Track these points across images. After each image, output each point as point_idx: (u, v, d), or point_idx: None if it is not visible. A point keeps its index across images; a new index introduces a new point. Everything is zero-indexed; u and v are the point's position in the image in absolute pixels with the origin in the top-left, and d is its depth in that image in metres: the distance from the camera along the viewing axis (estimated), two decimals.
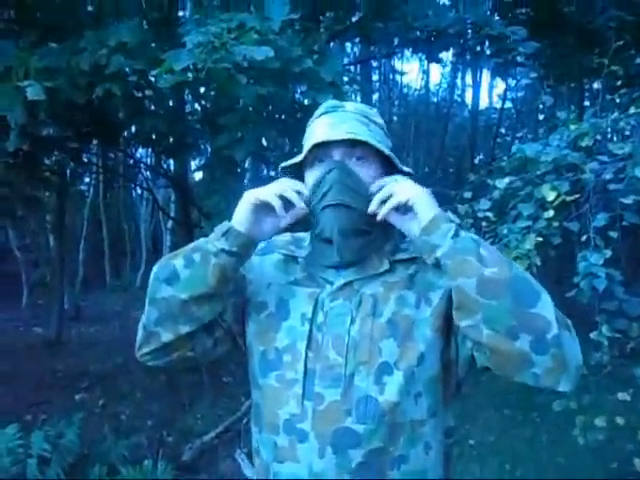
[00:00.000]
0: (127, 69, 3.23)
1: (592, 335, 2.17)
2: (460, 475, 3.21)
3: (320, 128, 1.01)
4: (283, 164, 1.07)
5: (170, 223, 11.16)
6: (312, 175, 1.02)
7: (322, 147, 0.99)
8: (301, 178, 1.06)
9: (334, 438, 0.93)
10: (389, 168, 1.04)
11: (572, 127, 2.55)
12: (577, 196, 2.37)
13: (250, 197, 1.00)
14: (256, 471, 1.07)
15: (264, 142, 4.54)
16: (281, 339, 1.01)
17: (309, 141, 1.01)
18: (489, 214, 2.60)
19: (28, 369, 5.80)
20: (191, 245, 1.01)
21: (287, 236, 1.16)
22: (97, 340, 7.59)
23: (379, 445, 0.93)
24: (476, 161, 15.44)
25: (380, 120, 1.06)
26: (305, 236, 1.15)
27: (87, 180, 12.28)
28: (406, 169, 1.05)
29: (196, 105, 5.12)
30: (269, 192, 0.99)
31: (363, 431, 0.93)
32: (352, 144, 0.97)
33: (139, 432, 4.09)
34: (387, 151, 1.00)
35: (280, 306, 1.04)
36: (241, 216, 1.00)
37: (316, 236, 1.05)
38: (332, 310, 0.99)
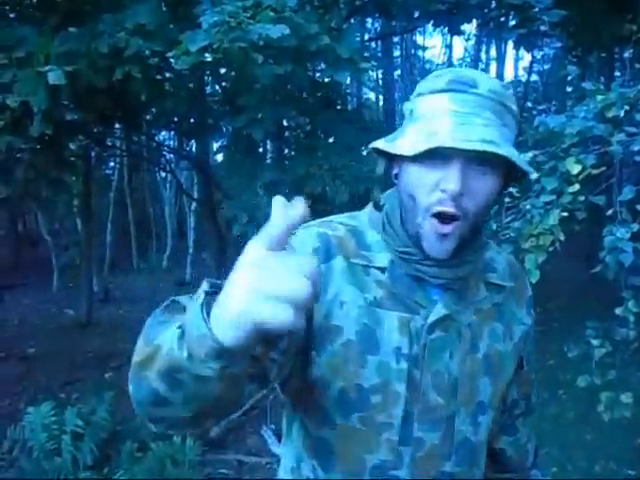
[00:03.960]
0: (146, 51, 3.25)
1: (618, 311, 2.13)
2: None
3: (442, 118, 0.75)
4: (378, 145, 0.82)
5: (194, 205, 11.27)
6: (420, 174, 0.78)
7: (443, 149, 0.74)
8: (396, 158, 0.83)
9: None
10: (509, 172, 0.82)
11: (599, 98, 2.47)
12: (603, 169, 2.31)
13: (247, 320, 0.50)
14: None
15: (284, 122, 4.53)
16: (368, 377, 0.83)
17: (423, 129, 0.77)
18: (512, 189, 2.55)
19: (60, 349, 5.99)
20: (162, 357, 0.62)
21: (340, 228, 0.87)
22: (126, 321, 7.76)
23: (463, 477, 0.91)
24: None
25: (515, 106, 0.80)
26: (362, 226, 0.89)
27: (112, 164, 12.45)
28: (530, 171, 0.80)
29: (216, 86, 5.12)
30: (276, 315, 0.49)
31: (458, 474, 0.88)
32: (482, 152, 0.72)
33: None
34: (522, 163, 0.75)
35: (363, 334, 0.82)
36: (231, 336, 0.52)
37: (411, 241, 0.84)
38: (431, 344, 0.83)
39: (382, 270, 0.84)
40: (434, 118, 0.77)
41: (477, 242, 0.85)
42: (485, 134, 0.73)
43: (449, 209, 0.76)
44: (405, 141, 0.78)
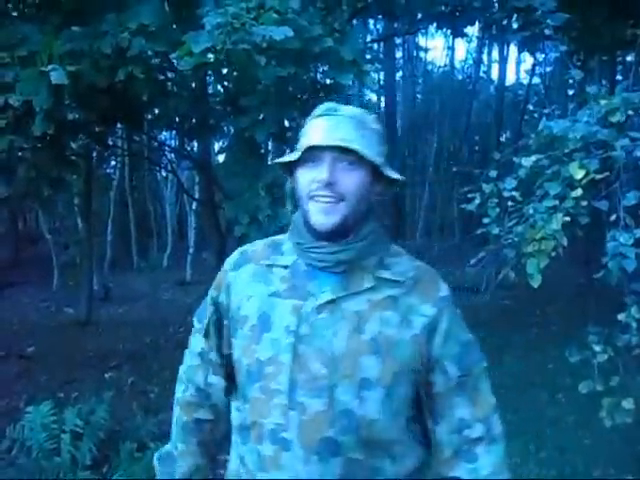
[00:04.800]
0: (149, 52, 3.24)
1: (620, 316, 2.12)
2: None
3: (315, 131, 1.03)
4: (277, 160, 1.10)
5: (194, 204, 11.28)
6: (303, 174, 1.04)
7: (315, 150, 1.00)
8: (292, 172, 1.09)
9: (319, 447, 0.98)
10: (378, 174, 1.05)
11: (602, 102, 2.46)
12: (607, 174, 2.30)
13: None
14: None
15: (286, 123, 4.53)
16: (263, 351, 1.02)
17: (303, 141, 1.04)
18: (515, 193, 2.55)
19: (60, 348, 5.99)
20: None
21: (260, 243, 1.16)
22: (126, 320, 7.77)
23: (356, 456, 0.99)
24: (502, 139, 15.14)
25: (377, 126, 1.07)
26: (283, 239, 1.14)
27: (113, 163, 12.46)
28: (394, 176, 1.05)
29: (218, 87, 5.11)
30: None
31: (343, 442, 0.98)
32: (344, 150, 0.99)
33: (168, 409, 4.15)
34: (377, 160, 1.01)
35: (262, 319, 1.04)
36: None
37: (307, 232, 1.06)
38: (316, 323, 1.00)
39: (285, 267, 1.07)
40: (311, 133, 1.03)
41: (359, 233, 1.04)
42: (342, 136, 0.99)
43: (324, 192, 0.99)
44: (293, 154, 1.05)
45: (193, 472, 1.17)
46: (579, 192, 2.22)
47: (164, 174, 13.46)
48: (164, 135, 9.74)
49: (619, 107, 2.39)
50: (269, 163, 1.01)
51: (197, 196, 9.82)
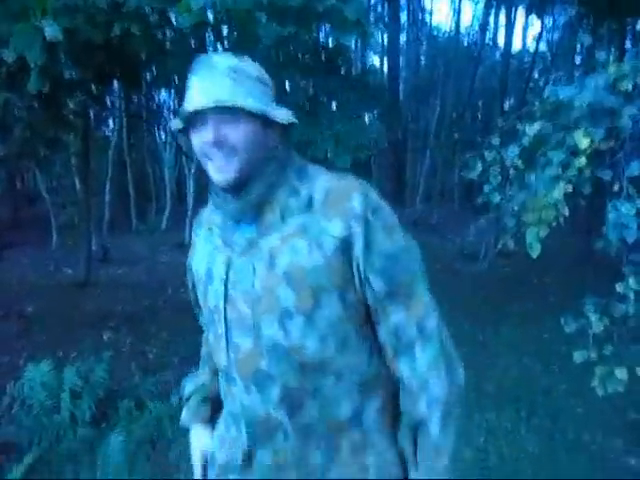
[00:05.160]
0: (146, 8, 3.14)
1: (618, 287, 2.12)
2: (478, 422, 3.27)
3: (193, 93, 1.03)
4: (171, 125, 1.11)
5: (194, 167, 11.18)
6: (193, 136, 1.06)
7: (199, 113, 1.02)
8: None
9: (254, 378, 1.07)
10: (270, 121, 1.06)
11: (611, 69, 2.40)
12: (612, 143, 2.26)
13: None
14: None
15: (286, 86, 4.43)
16: (210, 301, 1.14)
17: (185, 104, 1.05)
18: (517, 161, 2.51)
19: (59, 308, 6.03)
20: None
21: (208, 209, 1.24)
22: (124, 281, 7.80)
23: (293, 383, 1.05)
24: (506, 107, 14.91)
25: (255, 71, 1.06)
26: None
27: (112, 125, 12.28)
28: (284, 120, 1.06)
29: (218, 45, 4.99)
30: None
31: (276, 372, 1.05)
32: (222, 107, 1.00)
33: (166, 369, 4.24)
34: (259, 108, 1.02)
35: (207, 274, 1.15)
36: None
37: (216, 194, 1.12)
38: (239, 268, 1.08)
39: (218, 226, 1.15)
40: (189, 95, 1.04)
41: (263, 179, 1.06)
42: (216, 94, 1.00)
43: (215, 151, 1.03)
44: (177, 119, 1.08)
45: (199, 387, 1.36)
46: (583, 161, 2.19)
47: (163, 136, 13.30)
48: (163, 96, 9.58)
49: (628, 74, 2.33)
50: (170, 126, 1.02)
51: (195, 158, 9.71)
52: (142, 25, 3.16)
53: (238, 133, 1.02)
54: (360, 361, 1.08)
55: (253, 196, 1.06)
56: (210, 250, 1.16)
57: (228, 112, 1.01)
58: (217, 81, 1.02)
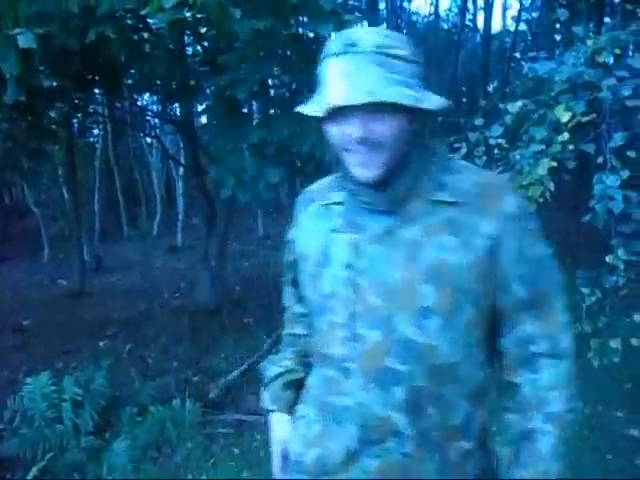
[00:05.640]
0: (120, 11, 3.11)
1: (607, 258, 2.14)
2: None
3: (334, 80, 0.90)
4: (299, 109, 0.98)
5: (181, 170, 11.14)
6: (332, 127, 0.95)
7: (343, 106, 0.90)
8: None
9: (377, 375, 0.99)
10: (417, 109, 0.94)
11: (589, 42, 2.40)
12: (593, 116, 2.27)
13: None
14: (308, 399, 1.16)
15: (269, 81, 4.42)
16: (324, 285, 1.04)
17: (323, 92, 0.93)
18: (501, 141, 2.51)
19: (55, 320, 6.01)
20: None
21: (323, 182, 1.16)
22: (119, 289, 7.78)
23: (420, 384, 0.98)
24: (489, 89, 14.94)
25: (402, 48, 0.92)
26: (337, 176, 1.11)
27: (96, 132, 12.19)
28: (436, 106, 0.93)
29: (197, 47, 4.96)
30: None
31: (404, 370, 0.98)
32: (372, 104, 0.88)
33: (166, 374, 4.25)
34: (410, 100, 0.89)
35: (323, 255, 1.06)
36: None
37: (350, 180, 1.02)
38: (372, 256, 0.99)
39: (340, 203, 1.06)
40: (330, 82, 0.91)
41: (410, 172, 0.98)
42: (367, 86, 0.87)
43: (358, 147, 0.93)
44: (314, 104, 0.94)
45: (284, 372, 1.27)
46: (565, 136, 2.19)
47: (148, 140, 13.23)
48: (146, 100, 9.51)
49: (605, 47, 2.33)
50: (299, 109, 0.91)
51: (182, 161, 9.68)
52: (117, 28, 3.13)
53: (387, 126, 0.92)
54: (478, 369, 1.03)
55: (399, 191, 0.98)
56: (326, 229, 1.06)
57: (377, 107, 0.89)
58: (364, 68, 0.89)
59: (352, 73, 0.89)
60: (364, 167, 0.95)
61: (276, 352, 1.37)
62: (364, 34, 0.91)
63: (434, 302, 0.96)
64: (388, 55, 0.90)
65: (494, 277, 0.98)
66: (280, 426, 1.27)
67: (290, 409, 1.24)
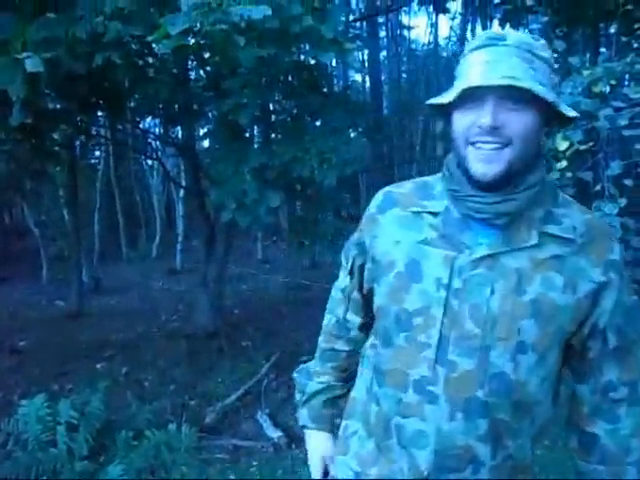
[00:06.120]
0: (126, 36, 3.18)
1: None
2: None
3: (474, 67, 0.90)
4: (430, 101, 0.98)
5: (182, 192, 11.19)
6: (460, 117, 0.93)
7: (477, 89, 0.88)
8: (448, 114, 0.97)
9: (465, 405, 0.96)
10: (551, 112, 0.92)
11: (585, 73, 2.46)
12: (591, 145, 2.30)
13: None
14: (371, 420, 1.10)
15: (270, 106, 4.48)
16: (412, 301, 0.98)
17: (460, 80, 0.92)
18: None
19: (53, 341, 5.96)
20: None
21: (408, 186, 1.09)
22: (117, 310, 7.73)
23: (503, 417, 0.97)
24: None
25: (547, 54, 0.92)
26: (434, 182, 1.06)
27: (97, 153, 12.29)
28: (571, 113, 0.91)
29: (200, 71, 5.04)
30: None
31: (492, 403, 0.95)
32: (509, 88, 0.86)
33: (162, 397, 4.20)
34: (550, 97, 0.87)
35: (411, 266, 0.99)
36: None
37: (467, 179, 0.95)
38: (471, 279, 0.94)
39: (435, 215, 1.00)
40: (470, 69, 0.91)
41: (525, 182, 0.93)
42: (508, 72, 0.86)
43: (486, 138, 0.89)
44: (446, 94, 0.93)
45: (324, 389, 1.24)
46: (564, 164, 2.22)
47: (149, 162, 13.32)
48: (148, 123, 9.62)
49: (602, 77, 2.38)
50: (427, 102, 0.94)
51: (184, 184, 9.74)
52: (123, 53, 3.19)
53: (521, 120, 0.88)
54: (550, 406, 1.03)
55: (522, 196, 0.92)
56: (415, 239, 1.00)
57: (512, 96, 0.87)
58: (505, 57, 0.88)
59: (495, 60, 0.88)
60: (488, 162, 0.90)
61: (308, 360, 1.32)
62: (513, 34, 0.92)
63: (533, 339, 0.93)
64: (533, 53, 0.90)
65: (591, 322, 0.97)
66: (321, 444, 1.24)
67: (331, 427, 1.23)
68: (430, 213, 1.01)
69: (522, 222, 0.94)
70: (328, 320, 1.26)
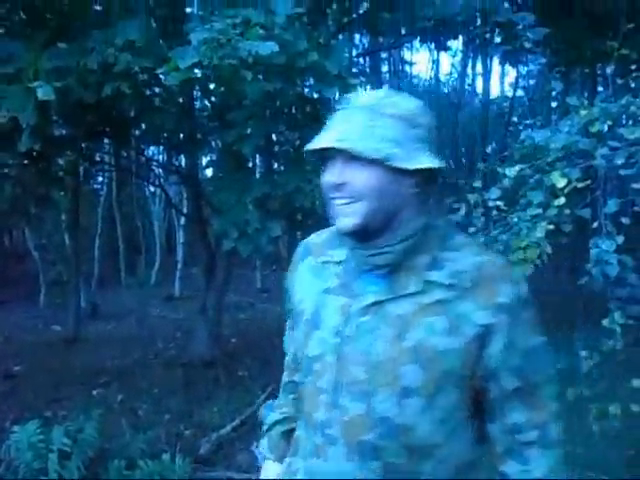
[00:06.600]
0: (135, 67, 3.26)
1: (604, 322, 2.15)
2: None
3: (321, 133, 0.97)
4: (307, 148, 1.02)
5: (183, 219, 11.24)
6: (322, 175, 1.00)
7: (328, 151, 0.96)
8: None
9: (359, 448, 0.98)
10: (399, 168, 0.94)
11: (582, 113, 2.52)
12: (588, 182, 2.34)
13: None
14: (298, 452, 1.13)
15: (273, 137, 4.56)
16: (313, 347, 1.04)
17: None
18: (499, 203, 2.58)
19: (47, 366, 5.90)
20: None
21: (324, 235, 1.14)
22: (114, 337, 7.68)
23: (396, 460, 0.98)
24: (488, 150, 15.32)
25: (395, 108, 0.95)
26: None
27: (100, 179, 12.41)
28: (410, 167, 0.93)
29: (205, 101, 5.15)
30: None
31: (382, 447, 0.97)
32: (353, 150, 0.92)
33: (157, 427, 4.15)
34: (381, 154, 0.91)
35: (314, 314, 1.05)
36: None
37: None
38: (361, 325, 0.98)
39: (339, 263, 1.05)
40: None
41: (397, 233, 0.97)
42: (338, 135, 0.93)
43: (335, 195, 0.96)
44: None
45: (283, 420, 1.28)
46: (562, 200, 2.26)
47: (152, 189, 13.41)
48: (152, 150, 9.74)
49: (598, 117, 2.44)
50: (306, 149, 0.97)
51: (185, 211, 9.79)
52: (132, 84, 3.27)
53: (364, 177, 0.93)
54: (465, 448, 1.02)
55: (397, 248, 0.96)
56: (320, 288, 1.06)
57: (356, 155, 0.92)
58: (348, 119, 0.95)
59: (334, 123, 0.96)
60: (343, 216, 0.96)
61: (275, 398, 1.36)
62: (365, 94, 0.99)
63: (417, 383, 0.95)
64: (378, 112, 0.94)
65: (483, 365, 0.97)
66: (271, 475, 1.29)
67: (284, 457, 1.24)
68: (334, 262, 1.06)
69: (405, 270, 0.98)
70: (287, 354, 1.30)
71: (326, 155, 0.97)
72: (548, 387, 1.01)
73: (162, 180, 8.11)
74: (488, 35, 5.13)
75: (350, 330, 0.99)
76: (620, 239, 2.15)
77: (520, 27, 3.80)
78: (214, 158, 5.61)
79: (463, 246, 1.01)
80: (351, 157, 0.93)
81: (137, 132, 5.54)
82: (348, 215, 0.95)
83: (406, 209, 0.97)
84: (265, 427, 1.31)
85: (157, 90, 4.54)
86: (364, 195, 0.94)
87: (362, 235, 0.97)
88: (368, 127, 0.93)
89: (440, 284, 0.96)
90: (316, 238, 1.15)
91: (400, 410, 0.95)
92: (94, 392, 5.07)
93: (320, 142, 0.94)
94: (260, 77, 2.89)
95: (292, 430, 1.24)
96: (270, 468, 1.30)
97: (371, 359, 0.97)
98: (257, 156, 5.19)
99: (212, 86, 4.30)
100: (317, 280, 1.08)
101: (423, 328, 0.95)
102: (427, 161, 0.94)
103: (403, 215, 0.97)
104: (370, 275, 1.00)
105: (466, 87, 17.88)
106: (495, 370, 0.97)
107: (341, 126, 0.95)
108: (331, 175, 0.96)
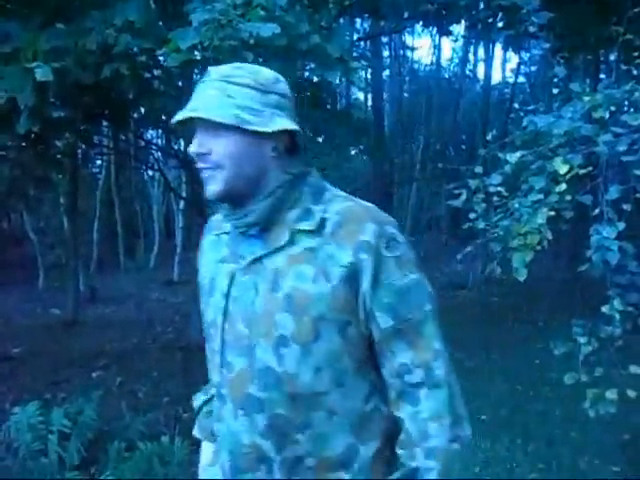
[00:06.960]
0: (135, 49, 3.23)
1: (604, 309, 2.16)
2: (472, 451, 3.24)
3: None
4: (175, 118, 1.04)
5: (182, 203, 11.22)
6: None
7: (189, 122, 1.00)
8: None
9: (242, 403, 1.02)
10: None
11: (585, 99, 2.50)
12: (590, 169, 2.33)
13: None
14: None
15: None
16: (208, 314, 1.10)
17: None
18: (500, 189, 2.57)
19: (46, 349, 5.94)
20: None
21: (225, 210, 1.16)
22: (113, 320, 7.71)
23: (281, 412, 1.00)
24: (489, 137, 15.25)
25: (246, 78, 0.99)
26: None
27: (99, 162, 12.35)
28: (266, 129, 0.97)
29: None
30: None
31: (265, 398, 1.00)
32: (208, 119, 0.96)
33: (156, 409, 4.18)
34: (235, 119, 0.95)
35: (210, 284, 1.11)
36: None
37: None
38: (242, 284, 1.03)
39: (228, 234, 1.10)
40: None
41: (262, 193, 1.01)
42: (195, 105, 0.98)
43: (199, 164, 1.01)
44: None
45: (209, 399, 1.26)
46: (563, 187, 2.25)
47: (150, 173, 13.36)
48: (150, 133, 9.68)
49: (601, 104, 2.42)
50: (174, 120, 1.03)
51: (184, 195, 9.77)
52: (131, 65, 3.24)
53: (222, 144, 0.98)
54: (357, 399, 1.02)
55: (261, 205, 1.01)
56: (216, 259, 1.11)
57: (213, 125, 0.97)
58: (202, 91, 1.00)
59: (195, 95, 1.01)
60: (208, 183, 1.01)
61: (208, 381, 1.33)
62: (220, 67, 1.03)
63: (291, 331, 0.98)
64: (230, 82, 0.99)
65: (359, 308, 0.99)
66: (204, 453, 1.28)
67: (215, 438, 1.21)
68: (225, 233, 1.11)
69: (276, 225, 1.02)
70: None
71: (194, 127, 1.02)
72: (428, 326, 1.01)
73: (161, 164, 8.07)
74: (491, 20, 5.07)
75: (235, 290, 1.04)
76: (621, 226, 2.14)
77: (524, 11, 3.75)
78: None
79: (335, 197, 1.04)
80: (210, 126, 0.97)
81: (136, 115, 5.50)
82: (212, 183, 1.00)
83: (270, 172, 1.02)
84: (195, 410, 1.32)
85: (156, 72, 4.50)
86: (225, 162, 0.99)
87: (230, 200, 1.03)
88: (224, 96, 0.97)
89: (308, 232, 1.00)
90: (216, 217, 1.19)
91: (279, 359, 0.99)
92: (93, 375, 5.10)
93: (180, 114, 0.98)
94: (260, 60, 2.86)
95: None
96: (205, 449, 1.29)
97: (250, 314, 1.01)
98: None
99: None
100: (213, 253, 1.13)
101: (294, 277, 0.99)
102: (282, 124, 0.99)
103: (267, 178, 1.02)
104: (248, 237, 1.05)
105: (467, 73, 17.74)
106: (370, 311, 0.99)
107: (199, 97, 0.99)
108: (194, 145, 1.00)
